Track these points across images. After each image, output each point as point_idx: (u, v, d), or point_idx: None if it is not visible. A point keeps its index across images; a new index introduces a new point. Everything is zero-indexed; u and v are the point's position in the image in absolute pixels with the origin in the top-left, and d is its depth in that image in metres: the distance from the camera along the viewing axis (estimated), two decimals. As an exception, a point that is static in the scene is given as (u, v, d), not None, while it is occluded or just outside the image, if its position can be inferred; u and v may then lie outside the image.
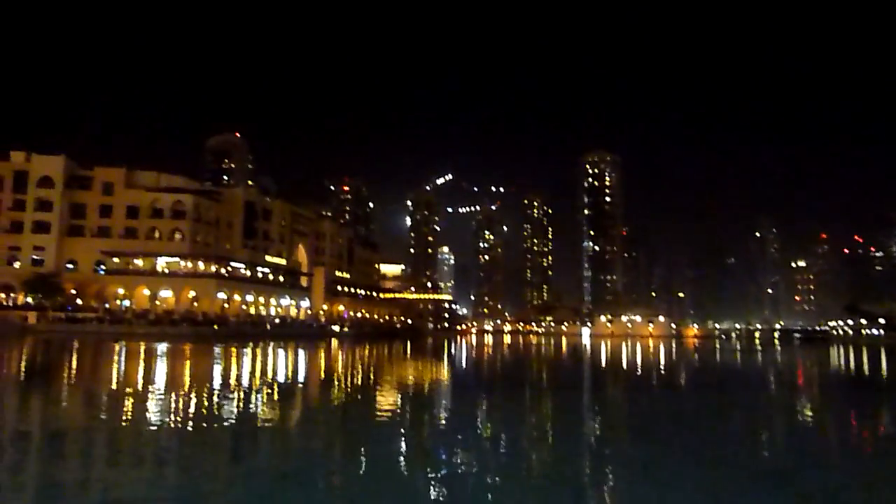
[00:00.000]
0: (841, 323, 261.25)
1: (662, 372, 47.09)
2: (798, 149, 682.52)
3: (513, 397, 27.76)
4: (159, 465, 13.22)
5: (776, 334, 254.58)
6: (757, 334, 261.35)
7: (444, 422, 20.59)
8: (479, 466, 13.40)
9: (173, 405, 21.63)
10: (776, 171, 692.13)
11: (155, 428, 17.17)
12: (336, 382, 32.29)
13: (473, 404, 24.71)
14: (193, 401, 22.91)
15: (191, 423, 18.29)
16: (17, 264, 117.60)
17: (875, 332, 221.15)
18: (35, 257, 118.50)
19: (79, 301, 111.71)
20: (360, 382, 32.55)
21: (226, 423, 18.40)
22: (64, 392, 26.11)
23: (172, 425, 17.60)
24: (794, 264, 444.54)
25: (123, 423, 18.26)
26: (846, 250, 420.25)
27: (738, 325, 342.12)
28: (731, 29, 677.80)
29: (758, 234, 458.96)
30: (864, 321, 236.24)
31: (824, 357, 76.11)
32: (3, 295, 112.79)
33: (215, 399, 23.76)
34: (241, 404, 22.64)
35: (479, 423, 19.94)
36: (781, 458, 15.52)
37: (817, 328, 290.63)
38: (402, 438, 16.93)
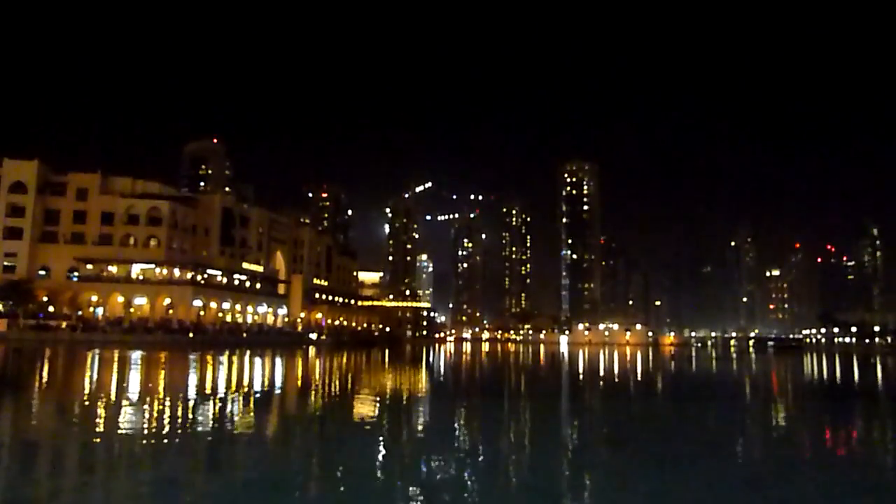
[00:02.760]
0: (815, 331, 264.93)
1: (637, 380, 47.37)
2: (773, 159, 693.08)
3: (490, 406, 27.73)
4: (131, 477, 13.00)
5: (751, 342, 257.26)
6: (732, 342, 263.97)
7: (421, 432, 20.52)
8: (457, 476, 13.36)
9: (146, 416, 21.32)
10: (752, 182, 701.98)
11: (126, 439, 16.90)
12: (313, 392, 32.07)
13: (450, 414, 24.66)
14: (167, 411, 22.61)
15: (164, 434, 18.03)
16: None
17: (848, 340, 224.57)
18: (7, 264, 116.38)
19: (51, 308, 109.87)
20: (337, 392, 32.36)
21: (200, 435, 18.15)
22: (33, 402, 25.63)
23: (144, 436, 17.32)
24: (768, 273, 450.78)
25: (94, 435, 17.96)
26: (819, 259, 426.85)
27: (714, 333, 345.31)
28: (708, 40, 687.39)
29: (733, 244, 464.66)
30: (837, 329, 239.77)
31: (798, 365, 77.06)
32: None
33: (190, 409, 23.46)
34: (216, 414, 22.37)
35: (457, 433, 19.89)
36: (754, 465, 15.64)
37: (791, 336, 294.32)
38: (380, 448, 16.82)
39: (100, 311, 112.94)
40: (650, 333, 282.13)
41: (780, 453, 17.53)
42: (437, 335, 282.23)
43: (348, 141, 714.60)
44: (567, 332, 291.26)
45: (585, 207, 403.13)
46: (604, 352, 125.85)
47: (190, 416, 21.85)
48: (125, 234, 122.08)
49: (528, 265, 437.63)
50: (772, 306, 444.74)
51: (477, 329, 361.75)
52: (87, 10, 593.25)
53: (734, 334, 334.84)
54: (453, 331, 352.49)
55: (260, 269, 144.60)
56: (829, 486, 13.25)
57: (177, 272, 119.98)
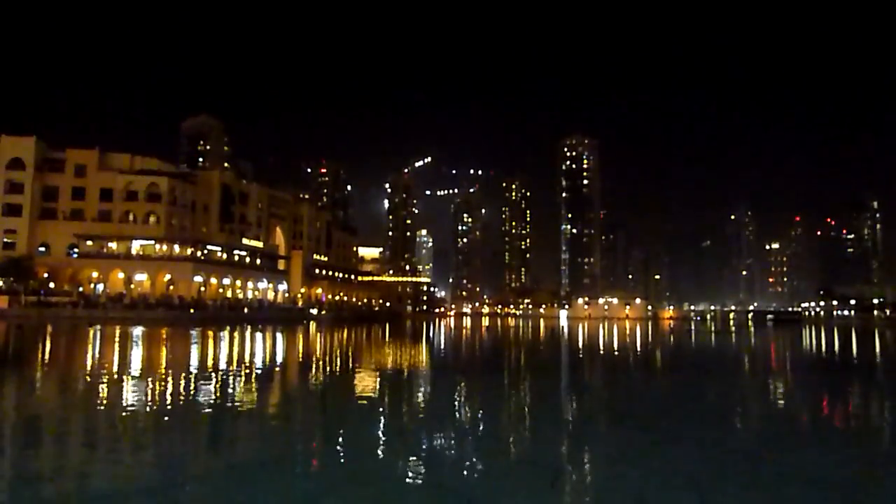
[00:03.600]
0: (813, 304, 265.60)
1: (635, 353, 47.58)
2: (773, 133, 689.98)
3: (491, 380, 27.90)
4: (137, 450, 13.12)
5: (750, 316, 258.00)
6: (731, 316, 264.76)
7: (423, 404, 20.66)
8: (458, 448, 13.48)
9: (149, 390, 21.45)
10: (752, 155, 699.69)
11: (131, 413, 17.01)
12: (315, 366, 32.25)
13: (451, 386, 24.81)
14: (170, 386, 22.75)
15: (168, 407, 18.15)
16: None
17: (846, 313, 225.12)
18: (6, 241, 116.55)
19: (52, 285, 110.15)
20: (339, 366, 32.55)
21: (204, 408, 18.27)
22: (37, 377, 25.78)
23: (149, 410, 17.44)
24: (768, 247, 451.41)
25: (99, 409, 18.09)
26: (819, 233, 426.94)
27: (713, 307, 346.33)
28: (708, 15, 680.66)
29: (733, 218, 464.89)
30: (835, 302, 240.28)
31: (796, 338, 77.40)
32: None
33: (192, 384, 23.60)
34: (220, 389, 22.50)
35: (458, 406, 20.03)
36: (756, 438, 15.78)
37: (790, 309, 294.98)
38: (382, 421, 16.96)
39: (100, 287, 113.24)
40: (649, 307, 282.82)
41: (778, 425, 17.67)
42: (437, 310, 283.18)
43: (347, 117, 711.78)
44: (567, 306, 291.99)
45: (585, 182, 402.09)
46: (603, 326, 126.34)
47: (192, 390, 21.98)
48: (124, 211, 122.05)
49: (528, 240, 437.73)
50: (771, 280, 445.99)
51: (477, 304, 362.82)
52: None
53: (733, 308, 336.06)
54: (453, 306, 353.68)
55: (260, 245, 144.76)
56: (828, 457, 13.37)
57: (177, 248, 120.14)
